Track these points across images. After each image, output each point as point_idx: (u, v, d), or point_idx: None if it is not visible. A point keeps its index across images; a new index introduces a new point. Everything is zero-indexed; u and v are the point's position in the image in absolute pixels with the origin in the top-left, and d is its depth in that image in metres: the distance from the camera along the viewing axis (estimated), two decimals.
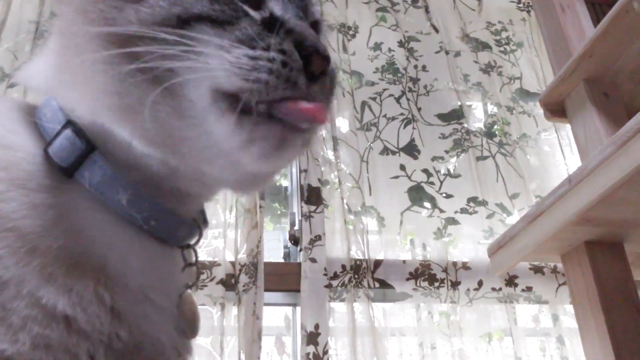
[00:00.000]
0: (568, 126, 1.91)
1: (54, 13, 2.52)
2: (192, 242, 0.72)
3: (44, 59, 0.70)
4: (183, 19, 0.58)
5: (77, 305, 0.54)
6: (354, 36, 2.88)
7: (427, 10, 3.01)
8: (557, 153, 2.75)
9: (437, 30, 2.96)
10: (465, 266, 2.33)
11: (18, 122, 0.64)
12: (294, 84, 0.58)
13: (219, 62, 0.57)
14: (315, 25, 0.73)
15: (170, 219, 0.66)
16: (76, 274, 0.55)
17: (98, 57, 0.59)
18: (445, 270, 2.32)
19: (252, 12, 0.62)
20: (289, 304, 2.26)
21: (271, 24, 0.61)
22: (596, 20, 1.80)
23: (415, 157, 2.59)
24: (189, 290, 0.71)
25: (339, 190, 2.40)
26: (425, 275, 2.30)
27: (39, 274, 0.53)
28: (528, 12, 3.16)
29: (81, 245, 0.57)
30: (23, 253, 0.53)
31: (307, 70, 0.59)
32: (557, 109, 1.72)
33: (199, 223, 0.72)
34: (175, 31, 0.57)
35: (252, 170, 0.63)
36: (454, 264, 2.33)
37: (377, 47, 2.88)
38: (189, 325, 0.68)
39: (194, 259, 0.72)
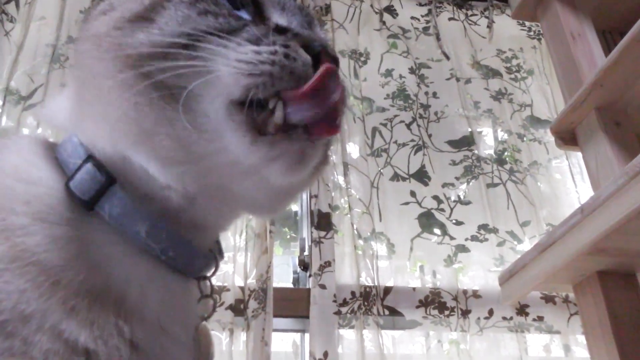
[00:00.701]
0: (579, 154, 1.91)
1: (71, 38, 2.57)
2: (208, 273, 0.72)
3: (64, 96, 0.72)
4: (192, 35, 0.61)
5: (98, 338, 0.54)
6: (365, 62, 2.90)
7: (438, 38, 3.03)
8: (568, 181, 2.73)
9: (448, 58, 2.98)
10: (476, 294, 2.31)
11: (39, 157, 0.65)
12: (299, 78, 0.60)
13: (225, 63, 0.59)
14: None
15: (187, 250, 0.66)
16: (97, 307, 0.56)
17: (113, 83, 0.61)
18: (455, 298, 2.30)
19: (258, 23, 0.65)
20: (297, 330, 2.25)
21: (278, 31, 0.64)
22: (607, 48, 1.81)
23: (426, 184, 2.59)
24: (204, 323, 0.71)
25: (349, 215, 2.40)
26: (435, 303, 2.28)
27: (61, 307, 0.54)
28: (539, 40, 3.17)
29: (102, 278, 0.58)
30: (46, 287, 0.54)
31: (316, 67, 0.61)
32: (568, 137, 1.72)
33: (215, 254, 0.73)
34: (185, 50, 0.59)
35: (278, 183, 0.64)
36: (465, 292, 2.31)
37: (388, 73, 2.90)
38: (204, 358, 0.68)
39: (209, 290, 0.72)
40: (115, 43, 0.62)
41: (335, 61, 0.63)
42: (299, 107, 0.59)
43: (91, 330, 0.54)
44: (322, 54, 0.62)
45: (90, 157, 0.64)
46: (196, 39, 0.60)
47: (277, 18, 0.69)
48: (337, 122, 0.62)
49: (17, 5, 2.72)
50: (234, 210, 0.73)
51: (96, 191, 0.62)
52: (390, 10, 3.09)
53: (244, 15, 0.67)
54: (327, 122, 0.61)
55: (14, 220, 0.56)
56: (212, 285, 0.72)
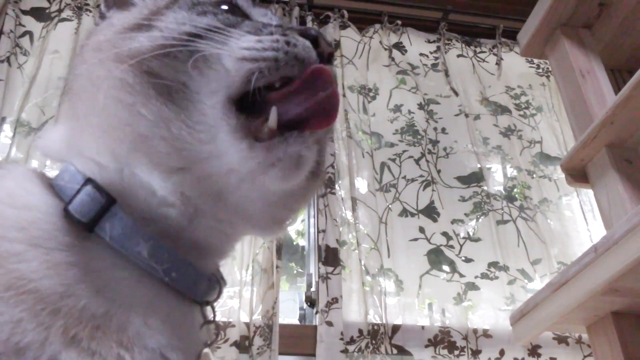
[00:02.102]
0: (590, 191, 1.89)
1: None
2: (212, 298, 0.71)
3: (59, 127, 0.72)
4: (193, 34, 0.63)
5: None
6: (374, 98, 2.91)
7: (446, 74, 3.05)
8: (579, 218, 2.71)
9: (456, 94, 2.99)
10: (486, 334, 2.27)
11: (34, 184, 0.64)
12: (303, 61, 0.62)
13: (229, 51, 0.61)
14: None
15: (190, 271, 0.65)
16: (99, 336, 0.54)
17: (111, 84, 0.62)
18: (465, 337, 2.25)
19: (255, 18, 0.69)
20: None
21: (268, 26, 0.67)
22: (616, 86, 1.81)
23: (435, 220, 2.57)
24: (206, 349, 0.70)
25: (357, 251, 2.37)
26: (444, 342, 2.23)
27: (61, 336, 0.52)
28: (547, 77, 3.18)
29: (104, 305, 0.56)
30: (44, 315, 0.52)
31: (316, 52, 0.63)
32: (578, 174, 1.70)
33: (219, 278, 0.72)
34: (185, 45, 0.61)
35: (274, 189, 0.64)
36: (475, 331, 2.27)
37: (397, 109, 2.91)
38: None
39: (211, 316, 0.71)
40: (116, 46, 0.64)
41: (330, 46, 0.66)
42: (290, 104, 0.61)
43: None
44: (319, 38, 0.65)
45: (89, 180, 0.63)
46: (197, 35, 0.62)
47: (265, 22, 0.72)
48: (330, 114, 0.63)
49: (32, 39, 2.77)
50: (234, 227, 0.71)
51: (96, 212, 0.61)
52: (399, 46, 3.12)
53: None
54: (321, 115, 0.63)
55: (7, 247, 0.55)
56: (214, 311, 0.71)
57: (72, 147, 0.68)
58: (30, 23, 2.81)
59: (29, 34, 2.78)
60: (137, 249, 0.61)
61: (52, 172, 0.70)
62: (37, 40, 2.76)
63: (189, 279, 0.65)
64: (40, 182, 0.65)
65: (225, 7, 0.71)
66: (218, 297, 0.71)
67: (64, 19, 2.82)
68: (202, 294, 0.68)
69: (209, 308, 0.70)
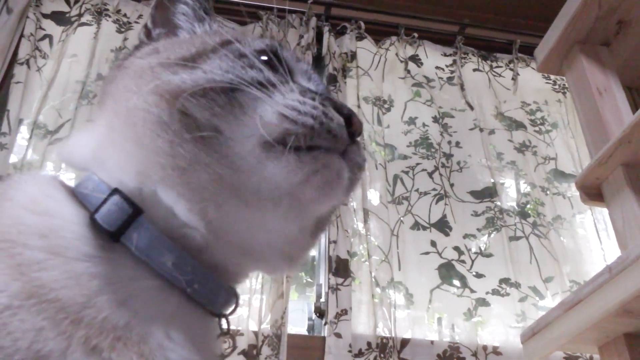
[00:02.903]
0: (604, 209, 1.87)
1: (101, 75, 2.63)
2: (229, 310, 0.71)
3: (87, 135, 0.73)
4: (235, 84, 0.64)
5: None
6: (389, 110, 2.91)
7: (462, 88, 3.04)
8: (593, 237, 2.68)
9: (472, 108, 2.98)
10: (496, 351, 2.25)
11: (58, 191, 0.65)
12: (335, 138, 0.64)
13: (271, 104, 0.63)
14: None
15: (212, 283, 0.66)
16: (120, 347, 0.54)
17: (149, 117, 0.63)
18: (475, 354, 2.23)
19: (291, 84, 0.69)
20: None
21: (310, 91, 0.68)
22: (634, 104, 1.79)
23: (447, 234, 2.56)
24: None
25: (367, 263, 2.37)
26: (454, 358, 2.21)
27: (83, 346, 0.52)
28: (564, 93, 3.17)
29: (125, 316, 0.56)
30: (66, 325, 0.52)
31: (348, 130, 0.66)
32: (593, 193, 1.69)
33: (236, 290, 0.72)
34: (225, 95, 0.63)
35: (315, 202, 0.65)
36: (484, 347, 2.25)
37: (412, 121, 2.91)
38: None
39: (228, 328, 0.71)
40: (158, 77, 0.65)
41: (361, 125, 0.68)
42: None
43: None
44: (352, 118, 0.67)
45: (116, 190, 0.64)
46: (237, 89, 0.64)
47: (306, 84, 0.75)
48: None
49: (51, 43, 2.80)
50: (249, 259, 0.71)
51: (123, 222, 0.61)
52: (415, 59, 3.12)
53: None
54: None
55: (29, 255, 0.55)
56: (228, 323, 0.71)
57: (97, 158, 0.68)
58: (50, 27, 2.85)
59: (49, 37, 2.82)
60: (162, 259, 0.62)
61: (67, 178, 0.71)
62: (57, 43, 2.80)
63: (210, 291, 0.66)
64: (63, 190, 0.65)
65: (266, 58, 0.72)
66: (234, 310, 0.72)
67: (84, 24, 2.85)
68: (220, 307, 0.69)
69: (224, 320, 0.71)
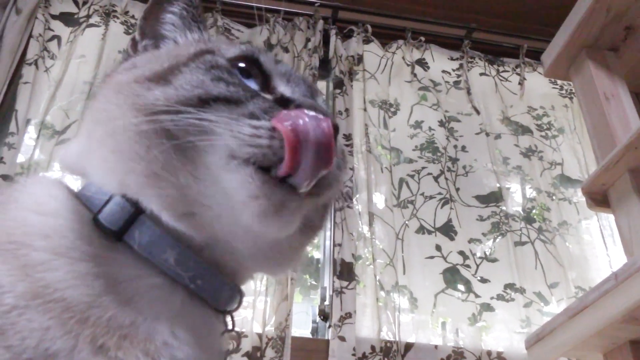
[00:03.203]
0: (610, 215, 1.86)
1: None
2: (232, 308, 0.71)
3: (77, 141, 0.74)
4: (203, 99, 0.65)
5: None
6: (395, 113, 2.91)
7: (468, 92, 3.04)
8: (599, 243, 2.67)
9: (478, 112, 2.98)
10: (500, 356, 2.24)
11: (60, 192, 0.66)
12: None
13: (229, 132, 0.62)
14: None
15: (214, 279, 0.67)
16: (126, 345, 0.55)
17: (128, 126, 0.64)
18: (479, 359, 2.22)
19: (263, 94, 0.70)
20: None
21: (283, 101, 0.69)
22: None
23: (452, 238, 2.55)
24: (227, 359, 0.71)
25: (372, 266, 2.36)
26: None
27: (89, 345, 0.53)
28: (570, 98, 3.16)
29: (131, 315, 0.57)
30: (72, 324, 0.53)
31: None
32: (600, 199, 1.68)
33: (240, 287, 0.73)
34: (195, 109, 0.63)
35: (254, 230, 0.64)
36: (489, 353, 2.24)
37: (418, 125, 2.91)
38: None
39: (232, 325, 0.72)
40: (134, 94, 0.66)
41: (335, 129, 0.65)
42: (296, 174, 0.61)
43: None
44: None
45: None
46: (206, 103, 0.64)
47: (283, 88, 0.74)
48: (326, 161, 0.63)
49: (59, 44, 2.82)
50: (245, 267, 0.72)
51: (125, 221, 0.63)
52: (421, 63, 3.12)
53: (253, 84, 0.71)
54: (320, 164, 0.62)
55: (34, 256, 0.56)
56: (233, 320, 0.72)
57: (85, 165, 0.70)
58: (58, 28, 2.86)
59: (57, 38, 2.83)
60: (164, 256, 0.63)
61: (72, 180, 0.72)
62: (65, 44, 2.81)
63: (213, 287, 0.67)
64: (67, 192, 0.67)
65: (242, 65, 0.72)
66: (238, 307, 0.72)
67: (92, 25, 2.86)
68: (224, 303, 0.69)
69: (229, 316, 0.72)
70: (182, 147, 0.63)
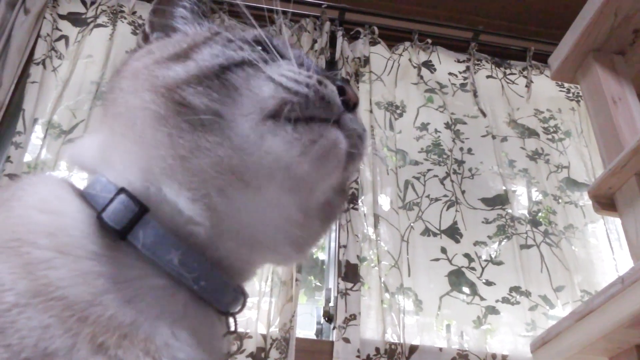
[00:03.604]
0: (617, 219, 1.86)
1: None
2: (235, 310, 0.71)
3: (92, 137, 0.74)
4: (225, 66, 0.66)
5: None
6: (401, 115, 2.91)
7: (475, 94, 3.03)
8: (605, 246, 2.66)
9: (484, 114, 2.98)
10: (505, 359, 2.23)
11: (66, 191, 0.66)
12: (329, 105, 0.65)
13: (266, 77, 0.65)
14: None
15: (218, 281, 0.66)
16: (126, 344, 0.54)
17: (147, 114, 0.64)
18: None
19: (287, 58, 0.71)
20: None
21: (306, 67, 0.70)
22: None
23: (457, 241, 2.55)
24: None
25: (377, 268, 2.36)
26: None
27: (89, 344, 0.52)
28: (577, 101, 3.15)
29: (131, 314, 0.57)
30: (72, 322, 0.53)
31: (342, 99, 0.66)
32: (606, 202, 1.67)
33: (243, 289, 0.72)
34: (219, 77, 0.65)
35: (314, 174, 0.65)
36: (493, 356, 2.24)
37: (424, 127, 2.90)
38: None
39: (235, 327, 0.71)
40: (153, 75, 0.67)
41: (356, 96, 0.68)
42: None
43: None
44: (345, 87, 0.68)
45: (122, 189, 0.64)
46: (229, 70, 0.65)
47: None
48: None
49: (67, 43, 2.83)
50: (255, 252, 0.71)
51: (129, 220, 0.62)
52: (428, 65, 3.12)
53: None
54: None
55: (38, 254, 0.56)
56: (235, 322, 0.71)
57: (103, 160, 0.69)
58: (66, 27, 2.87)
59: (65, 38, 2.85)
60: (168, 256, 0.62)
61: (79, 179, 0.72)
62: (72, 44, 2.82)
63: (217, 288, 0.66)
64: (71, 190, 0.66)
65: (259, 47, 0.73)
66: (242, 308, 0.72)
67: (100, 25, 2.87)
68: (227, 305, 0.69)
69: (231, 319, 0.71)
70: (208, 126, 0.63)
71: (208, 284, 0.64)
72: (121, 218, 0.62)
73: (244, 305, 0.72)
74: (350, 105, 0.68)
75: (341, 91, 0.67)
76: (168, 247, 0.62)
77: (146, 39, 0.82)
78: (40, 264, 0.55)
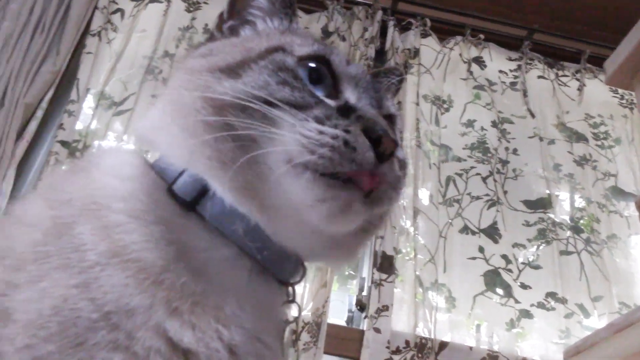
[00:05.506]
0: None
1: (167, 52, 2.69)
2: (295, 280, 0.74)
3: (151, 115, 0.78)
4: (267, 101, 0.67)
5: (200, 341, 0.57)
6: (447, 110, 2.88)
7: (525, 94, 2.98)
8: None
9: (533, 115, 2.92)
10: None
11: (138, 161, 0.71)
12: (358, 163, 0.64)
13: (291, 134, 0.65)
14: (389, 118, 0.81)
15: (280, 251, 0.69)
16: (198, 311, 0.58)
17: (196, 118, 0.68)
18: None
19: (327, 100, 0.71)
20: None
21: (345, 110, 0.70)
22: None
23: (496, 241, 2.52)
24: (287, 328, 0.75)
25: (412, 262, 2.36)
26: None
27: (164, 306, 0.56)
28: (630, 109, 3.06)
29: (202, 284, 0.61)
30: (147, 285, 0.56)
31: (376, 151, 0.65)
32: None
33: (302, 261, 0.75)
34: (260, 109, 0.66)
35: (320, 228, 0.67)
36: (524, 359, 2.21)
37: (470, 124, 2.87)
38: None
39: (294, 296, 0.75)
40: (204, 84, 0.69)
41: (394, 142, 0.67)
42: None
43: (193, 332, 0.56)
44: (383, 139, 0.66)
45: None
46: (271, 104, 0.66)
47: (350, 94, 0.75)
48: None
49: (122, 17, 2.88)
50: (304, 255, 0.74)
51: (197, 193, 0.66)
52: (478, 61, 3.07)
53: (319, 91, 0.72)
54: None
55: (113, 218, 0.60)
56: (294, 292, 0.75)
57: (156, 140, 0.74)
58: (123, 1, 2.93)
59: (121, 11, 2.90)
60: (234, 227, 0.66)
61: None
62: (128, 18, 2.87)
63: (279, 258, 0.69)
64: (143, 161, 0.71)
65: (313, 65, 0.73)
66: (301, 279, 0.75)
67: (155, 0, 2.91)
68: (288, 274, 0.72)
69: (290, 289, 0.75)
70: (245, 146, 0.65)
71: (271, 254, 0.68)
72: (190, 191, 0.66)
73: (303, 275, 0.75)
74: (385, 156, 0.66)
75: (378, 142, 0.65)
76: (233, 219, 0.66)
77: (219, 27, 0.85)
78: (116, 227, 0.59)
